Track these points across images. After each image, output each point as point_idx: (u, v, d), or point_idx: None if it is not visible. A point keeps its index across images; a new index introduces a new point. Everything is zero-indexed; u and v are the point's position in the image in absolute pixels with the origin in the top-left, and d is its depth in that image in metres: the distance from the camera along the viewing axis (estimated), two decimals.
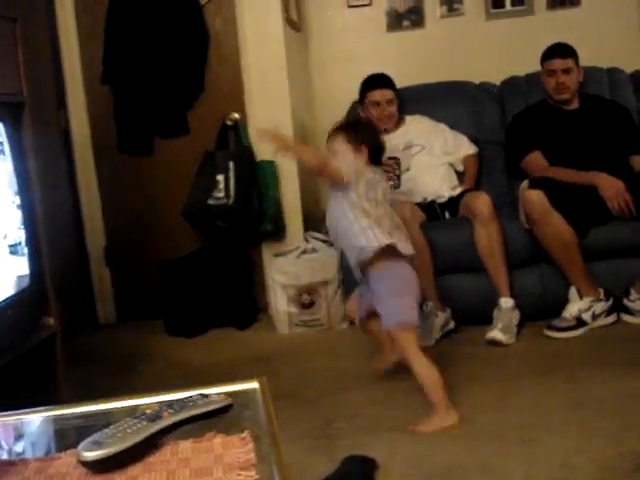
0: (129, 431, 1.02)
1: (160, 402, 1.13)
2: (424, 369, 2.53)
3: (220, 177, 3.94)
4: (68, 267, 3.88)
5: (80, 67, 4.22)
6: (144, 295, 4.30)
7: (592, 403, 2.61)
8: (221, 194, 3.92)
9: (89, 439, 1.01)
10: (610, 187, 3.40)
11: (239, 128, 4.06)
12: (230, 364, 3.41)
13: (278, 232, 4.11)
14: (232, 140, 4.10)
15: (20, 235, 2.33)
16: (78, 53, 4.21)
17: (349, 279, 3.64)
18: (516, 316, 3.39)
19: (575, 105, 3.81)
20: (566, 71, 3.71)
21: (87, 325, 4.24)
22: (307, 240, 3.97)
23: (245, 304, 4.11)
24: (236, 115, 4.07)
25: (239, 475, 0.96)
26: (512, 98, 4.12)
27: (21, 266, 2.31)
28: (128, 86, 4.12)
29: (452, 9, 4.44)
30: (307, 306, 3.81)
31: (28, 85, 2.50)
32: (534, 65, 3.87)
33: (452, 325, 3.51)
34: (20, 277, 2.30)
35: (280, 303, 3.85)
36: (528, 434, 2.42)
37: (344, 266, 3.63)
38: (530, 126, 3.80)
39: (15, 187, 2.31)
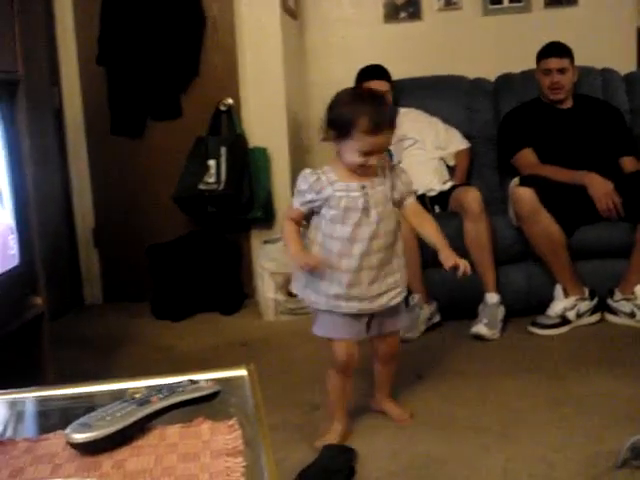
0: (118, 414, 1.03)
1: (148, 386, 1.14)
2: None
3: (212, 162, 3.94)
4: (57, 247, 3.89)
5: (75, 47, 4.20)
6: (131, 277, 4.30)
7: (573, 401, 2.64)
8: (212, 179, 3.92)
9: (78, 421, 1.02)
10: (599, 187, 3.43)
11: (232, 114, 4.05)
12: (215, 349, 3.42)
13: (268, 219, 4.12)
14: (225, 126, 4.10)
15: (11, 215, 2.32)
16: (73, 32, 4.18)
17: None
18: (501, 312, 3.42)
19: (568, 104, 3.82)
20: (561, 71, 3.72)
21: (73, 305, 4.24)
22: None
23: (232, 290, 4.11)
24: (230, 101, 4.07)
25: (226, 461, 0.97)
26: (506, 95, 4.13)
27: (11, 246, 2.31)
28: (123, 67, 4.10)
29: (450, 3, 4.44)
30: (294, 294, 3.80)
31: (23, 63, 2.48)
32: (529, 63, 3.89)
33: (437, 318, 3.53)
34: (9, 256, 2.30)
35: (267, 290, 3.86)
36: (508, 429, 2.45)
37: None
38: (523, 123, 3.82)
39: (7, 166, 2.30)
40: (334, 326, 2.36)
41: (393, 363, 2.57)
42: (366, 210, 2.25)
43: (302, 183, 2.27)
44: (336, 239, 2.26)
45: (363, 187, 2.26)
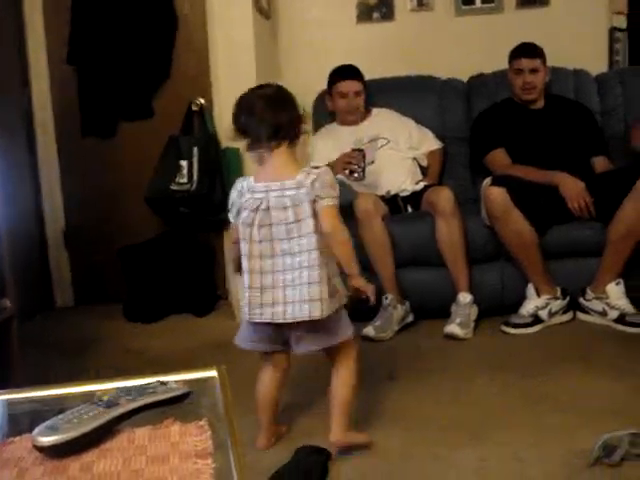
0: (85, 417, 1.01)
1: (117, 388, 1.13)
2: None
3: (184, 163, 3.91)
4: (27, 249, 3.84)
5: (44, 47, 4.15)
6: (103, 279, 4.26)
7: (546, 399, 2.65)
8: (184, 180, 3.89)
9: (44, 424, 1.01)
10: (571, 187, 3.45)
11: (205, 114, 4.03)
12: (188, 351, 3.39)
13: None
14: (197, 126, 4.07)
15: None
16: (43, 32, 4.13)
17: None
18: (474, 311, 3.43)
19: (540, 104, 3.85)
20: (533, 71, 3.74)
21: (44, 308, 4.19)
22: None
23: (205, 291, 4.09)
24: (202, 100, 4.04)
25: (195, 463, 0.96)
26: (478, 95, 4.14)
27: None
28: (93, 67, 4.06)
29: (422, 3, 4.44)
30: None
31: None
32: (502, 63, 3.91)
33: (411, 318, 3.53)
34: None
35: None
36: (480, 428, 2.46)
37: None
38: (495, 123, 3.83)
39: None
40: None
41: None
42: None
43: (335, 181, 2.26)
44: None
45: None
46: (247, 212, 2.22)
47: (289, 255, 2.19)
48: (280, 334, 2.31)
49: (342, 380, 2.35)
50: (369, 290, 2.29)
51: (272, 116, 2.22)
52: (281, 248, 2.20)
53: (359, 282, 2.28)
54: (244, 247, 2.24)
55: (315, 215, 2.18)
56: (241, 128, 2.26)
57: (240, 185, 2.29)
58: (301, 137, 2.32)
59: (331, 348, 2.34)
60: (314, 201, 2.18)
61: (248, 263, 2.23)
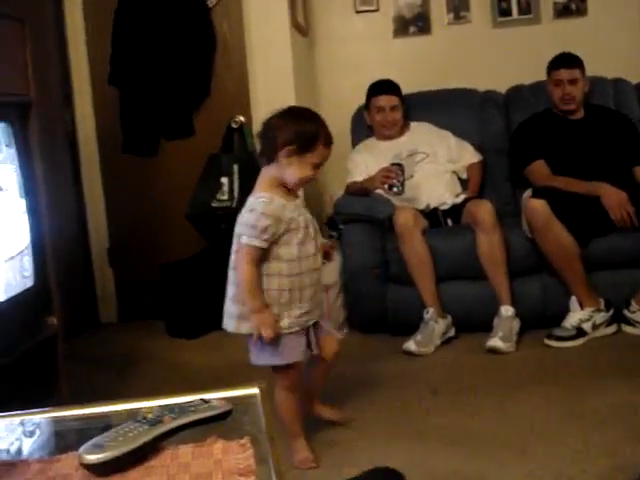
0: (130, 435, 1.03)
1: (161, 406, 1.14)
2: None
3: (225, 180, 3.95)
4: (72, 267, 3.90)
5: (87, 67, 4.23)
6: (146, 296, 4.31)
7: (590, 414, 2.61)
8: (225, 196, 3.93)
9: (90, 442, 1.02)
10: (613, 198, 3.41)
11: (244, 131, 4.07)
12: (230, 367, 3.40)
13: None
14: (237, 143, 4.11)
15: (25, 236, 2.34)
16: (85, 53, 4.22)
17: (352, 285, 3.66)
18: (516, 324, 3.40)
19: (580, 115, 3.82)
20: (572, 82, 3.72)
21: (89, 324, 4.25)
22: None
23: None
24: (241, 118, 4.08)
25: None
26: (517, 107, 4.12)
27: (26, 267, 2.32)
28: (135, 87, 4.13)
29: (459, 16, 4.45)
30: None
31: (35, 85, 2.51)
32: (540, 74, 3.88)
33: (452, 332, 3.51)
34: (25, 277, 2.31)
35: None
36: (525, 443, 2.43)
37: (347, 272, 3.65)
38: (534, 135, 3.81)
39: (21, 188, 2.32)
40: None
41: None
42: (306, 227, 2.31)
43: (261, 219, 2.23)
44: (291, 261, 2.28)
45: (297, 205, 2.33)
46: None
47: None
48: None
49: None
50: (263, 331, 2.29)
51: (264, 134, 2.31)
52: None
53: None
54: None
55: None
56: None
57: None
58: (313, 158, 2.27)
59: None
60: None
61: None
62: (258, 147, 2.36)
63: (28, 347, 2.39)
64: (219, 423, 1.12)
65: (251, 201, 2.29)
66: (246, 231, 2.24)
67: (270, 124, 2.29)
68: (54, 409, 1.29)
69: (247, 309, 2.31)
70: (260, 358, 2.38)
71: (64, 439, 1.21)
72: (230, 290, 2.38)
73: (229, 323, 2.40)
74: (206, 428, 1.11)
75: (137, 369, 3.46)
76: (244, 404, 1.20)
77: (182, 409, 1.11)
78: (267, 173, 2.32)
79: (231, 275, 2.37)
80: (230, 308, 2.38)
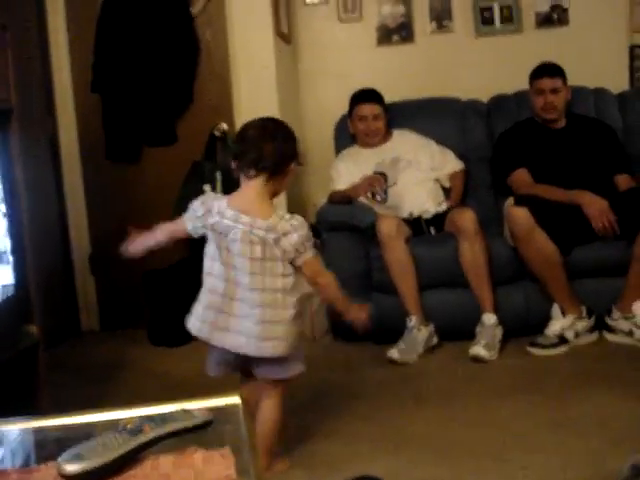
0: (110, 445, 1.02)
1: (141, 416, 1.13)
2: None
3: (207, 187, 3.93)
4: (53, 275, 3.87)
5: (69, 74, 4.21)
6: (128, 304, 4.28)
7: (573, 421, 2.62)
8: None
9: (70, 451, 1.02)
10: (594, 206, 3.43)
11: (227, 139, 4.06)
12: (211, 376, 3.39)
13: None
14: (220, 151, 4.10)
15: (5, 243, 2.32)
16: (67, 60, 4.20)
17: None
18: (499, 332, 3.41)
19: (562, 124, 3.84)
20: (554, 91, 3.74)
21: (70, 333, 4.22)
22: None
23: None
24: (224, 126, 4.07)
25: None
26: (499, 115, 4.14)
27: (5, 274, 2.30)
28: (117, 94, 4.11)
29: (442, 26, 4.46)
30: None
31: (16, 92, 2.49)
32: (522, 83, 3.91)
33: (435, 340, 3.52)
34: (4, 286, 2.29)
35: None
36: (507, 451, 2.43)
37: None
38: (517, 143, 3.83)
39: (1, 194, 2.30)
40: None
41: None
42: None
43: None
44: None
45: None
46: (216, 234, 2.30)
47: (248, 290, 2.25)
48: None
49: (268, 414, 2.35)
50: (362, 318, 2.37)
51: (258, 145, 2.25)
52: (241, 280, 2.26)
53: (353, 315, 2.38)
54: (213, 266, 2.37)
55: (283, 259, 2.24)
56: (234, 152, 2.34)
57: (211, 204, 2.32)
58: (287, 177, 2.31)
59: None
60: (293, 251, 2.23)
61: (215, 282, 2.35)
62: (245, 158, 2.28)
63: (8, 356, 2.37)
64: (200, 433, 1.12)
65: (298, 221, 2.25)
66: (308, 245, 2.26)
67: (275, 136, 2.26)
68: (34, 418, 1.28)
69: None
70: (296, 368, 2.35)
71: (44, 449, 1.20)
72: (287, 313, 2.29)
73: (271, 347, 2.26)
74: (187, 438, 1.10)
75: (119, 378, 3.44)
76: (225, 413, 1.20)
77: (163, 419, 1.10)
78: (260, 187, 2.28)
79: (288, 300, 2.29)
80: (277, 330, 2.26)
